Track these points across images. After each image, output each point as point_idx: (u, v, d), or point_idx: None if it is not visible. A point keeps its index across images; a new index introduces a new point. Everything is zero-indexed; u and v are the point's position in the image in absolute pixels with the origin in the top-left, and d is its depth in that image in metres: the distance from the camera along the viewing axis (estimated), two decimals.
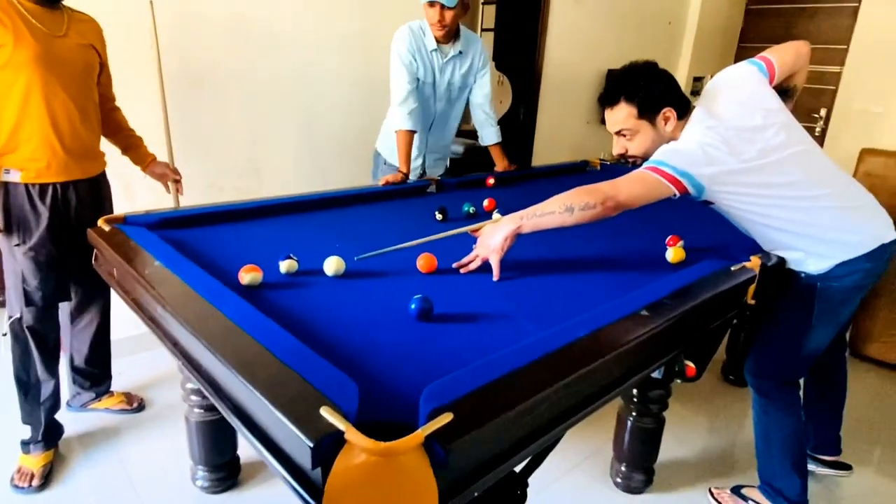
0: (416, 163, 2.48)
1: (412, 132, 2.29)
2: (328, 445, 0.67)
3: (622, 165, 3.14)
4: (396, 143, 2.30)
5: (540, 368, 0.89)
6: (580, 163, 2.99)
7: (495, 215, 1.85)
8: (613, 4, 4.44)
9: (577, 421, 0.96)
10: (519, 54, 4.36)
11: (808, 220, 1.46)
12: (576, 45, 4.31)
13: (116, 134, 2.02)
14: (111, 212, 1.98)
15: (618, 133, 1.57)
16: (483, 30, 5.39)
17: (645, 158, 1.51)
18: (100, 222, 1.55)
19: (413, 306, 1.11)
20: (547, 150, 4.32)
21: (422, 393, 0.79)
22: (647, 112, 1.48)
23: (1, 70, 1.59)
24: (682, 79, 5.49)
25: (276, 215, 1.84)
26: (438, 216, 1.86)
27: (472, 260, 1.43)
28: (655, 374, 1.31)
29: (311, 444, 0.66)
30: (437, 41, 2.27)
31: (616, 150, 1.62)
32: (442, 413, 0.72)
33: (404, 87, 2.26)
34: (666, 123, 1.49)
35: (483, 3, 5.46)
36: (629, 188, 1.40)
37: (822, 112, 4.85)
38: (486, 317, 1.17)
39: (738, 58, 5.95)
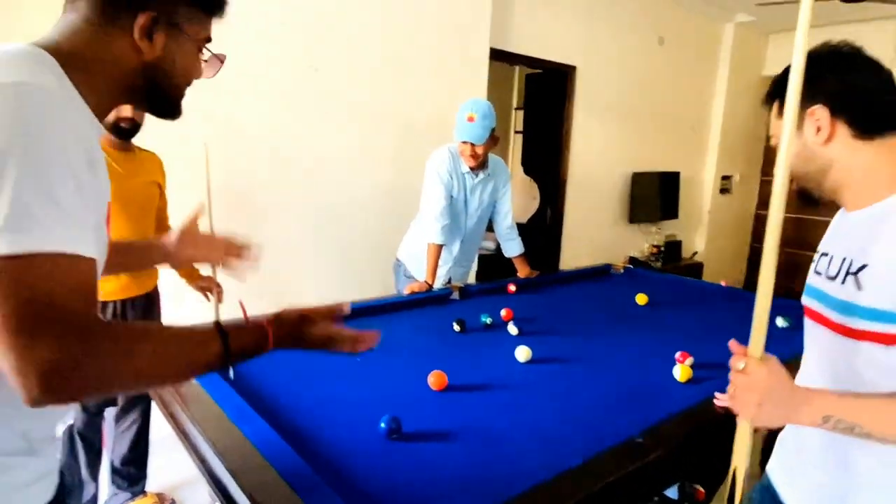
0: (441, 270, 2.63)
1: (441, 246, 2.46)
2: None
3: (651, 270, 3.21)
4: (426, 255, 2.45)
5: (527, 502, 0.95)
6: (603, 267, 3.07)
7: (511, 328, 1.95)
8: (632, 113, 4.68)
9: None
10: (546, 157, 4.59)
11: None
12: (600, 150, 4.52)
13: None
14: (160, 322, 2.18)
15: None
16: (515, 132, 5.74)
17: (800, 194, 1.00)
18: None
19: (382, 425, 1.20)
20: (574, 250, 4.42)
21: None
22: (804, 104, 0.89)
23: None
24: (711, 179, 5.62)
25: None
26: (456, 327, 1.96)
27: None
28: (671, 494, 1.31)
29: None
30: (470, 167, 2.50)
31: None
32: None
33: (440, 202, 2.44)
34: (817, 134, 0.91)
35: (515, 109, 5.85)
36: None
37: None
38: (486, 435, 1.23)
39: (767, 156, 6.08)
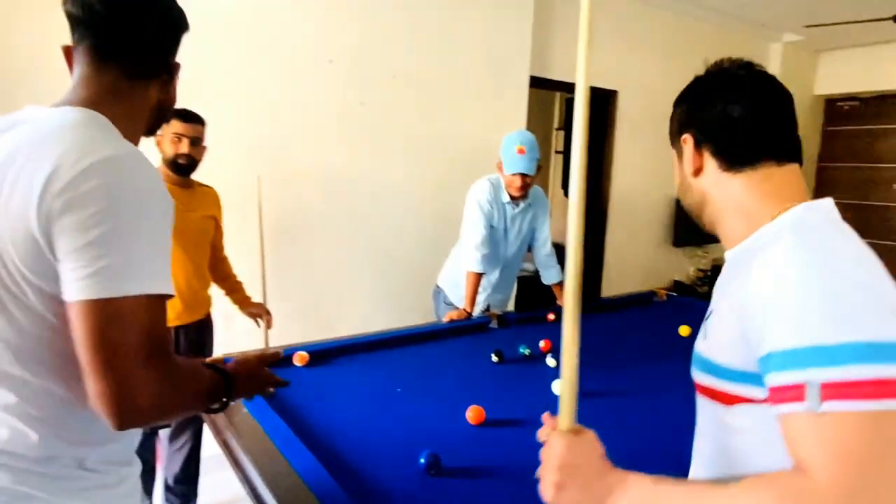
0: (480, 297, 2.67)
1: (481, 275, 2.50)
2: None
3: (695, 297, 3.15)
4: (465, 283, 2.49)
5: None
6: (646, 294, 3.04)
7: (549, 360, 1.96)
8: None
9: None
10: (587, 179, 4.57)
11: None
12: (642, 172, 4.49)
13: (224, 280, 2.37)
14: (212, 346, 2.29)
15: None
16: (556, 152, 5.76)
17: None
18: None
19: (421, 460, 1.23)
20: (617, 275, 4.38)
21: None
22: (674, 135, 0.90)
23: None
24: None
25: (338, 356, 2.03)
26: (494, 358, 1.99)
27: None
28: None
29: None
30: (512, 197, 2.53)
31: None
32: None
33: (481, 232, 2.47)
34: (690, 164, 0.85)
35: (556, 129, 5.87)
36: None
37: None
38: (524, 473, 1.25)
39: (819, 178, 5.88)
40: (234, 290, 2.40)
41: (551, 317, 2.54)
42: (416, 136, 3.17)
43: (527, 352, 2.05)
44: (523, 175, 2.40)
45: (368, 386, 1.75)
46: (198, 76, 2.52)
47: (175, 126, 2.01)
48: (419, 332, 2.27)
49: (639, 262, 4.58)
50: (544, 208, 2.70)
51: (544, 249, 2.73)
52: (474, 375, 1.90)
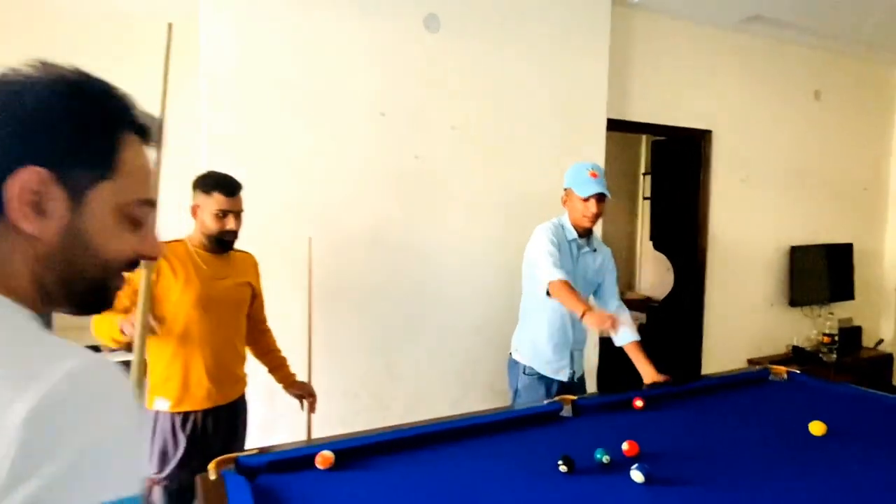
0: (562, 362, 2.37)
1: (568, 282, 2.12)
2: None
3: (823, 381, 2.54)
4: (561, 292, 2.10)
5: None
6: (758, 373, 2.48)
7: (635, 473, 1.52)
8: (786, 177, 4.05)
9: None
10: (679, 229, 4.08)
11: None
12: (746, 220, 3.93)
13: (265, 355, 2.16)
14: (245, 432, 2.06)
15: None
16: (644, 198, 5.31)
17: None
18: (210, 467, 1.57)
19: None
20: (720, 342, 3.79)
21: None
22: None
23: (167, 309, 1.81)
24: (895, 250, 4.66)
25: (373, 456, 1.70)
26: (563, 468, 1.58)
27: None
28: None
29: None
30: (577, 233, 2.33)
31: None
32: None
33: (555, 255, 2.20)
34: None
35: (643, 174, 5.44)
36: None
37: None
38: None
39: None
40: (277, 366, 2.18)
41: (639, 403, 2.08)
42: (477, 191, 2.90)
43: (605, 458, 1.62)
44: (598, 200, 2.24)
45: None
46: (242, 131, 2.42)
47: (217, 201, 1.84)
48: (471, 425, 1.90)
49: (746, 325, 3.95)
50: (610, 256, 2.48)
51: (614, 301, 2.43)
52: (536, 492, 1.50)
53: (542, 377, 2.38)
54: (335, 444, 1.73)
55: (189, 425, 1.85)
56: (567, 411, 2.04)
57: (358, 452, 1.70)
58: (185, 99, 2.34)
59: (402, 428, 1.86)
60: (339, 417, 2.52)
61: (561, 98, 3.07)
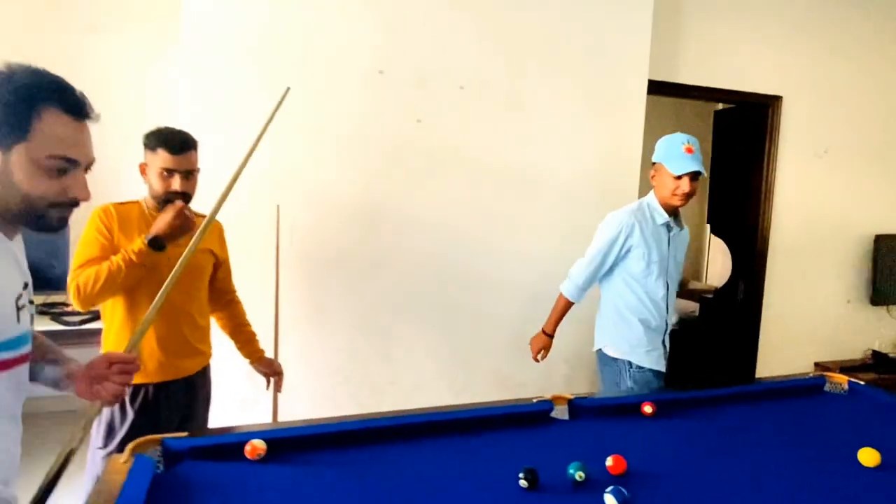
0: (658, 351, 2.24)
1: (572, 304, 2.26)
2: None
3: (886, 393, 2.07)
4: (555, 304, 2.26)
5: None
6: (813, 380, 2.06)
7: (608, 499, 1.22)
8: (869, 154, 3.47)
9: None
10: (736, 213, 3.61)
11: None
12: (819, 204, 3.43)
13: (233, 328, 2.05)
14: (205, 410, 1.94)
15: None
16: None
17: None
18: (128, 447, 1.42)
19: None
20: (781, 341, 3.37)
21: None
22: None
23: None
24: None
25: (319, 448, 1.49)
26: (523, 483, 1.30)
27: None
28: None
29: None
30: (668, 213, 2.20)
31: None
32: None
33: (599, 267, 2.21)
34: None
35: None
36: None
37: None
38: None
39: None
40: (245, 341, 2.04)
41: (648, 409, 1.75)
42: (487, 160, 2.62)
43: (579, 475, 1.32)
44: (692, 179, 2.10)
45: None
46: (220, 92, 2.25)
47: (162, 159, 1.69)
48: (435, 421, 1.64)
49: (816, 324, 3.49)
50: (687, 234, 2.38)
51: (677, 282, 2.35)
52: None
53: (650, 371, 2.20)
54: (275, 433, 1.54)
55: (139, 398, 1.74)
56: (561, 413, 1.74)
57: (300, 443, 1.51)
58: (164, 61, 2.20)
59: (360, 419, 1.64)
60: (302, 410, 2.33)
61: (591, 54, 2.72)
